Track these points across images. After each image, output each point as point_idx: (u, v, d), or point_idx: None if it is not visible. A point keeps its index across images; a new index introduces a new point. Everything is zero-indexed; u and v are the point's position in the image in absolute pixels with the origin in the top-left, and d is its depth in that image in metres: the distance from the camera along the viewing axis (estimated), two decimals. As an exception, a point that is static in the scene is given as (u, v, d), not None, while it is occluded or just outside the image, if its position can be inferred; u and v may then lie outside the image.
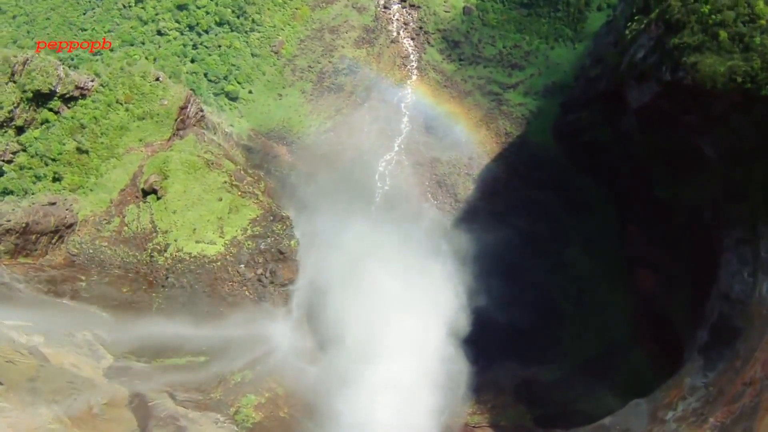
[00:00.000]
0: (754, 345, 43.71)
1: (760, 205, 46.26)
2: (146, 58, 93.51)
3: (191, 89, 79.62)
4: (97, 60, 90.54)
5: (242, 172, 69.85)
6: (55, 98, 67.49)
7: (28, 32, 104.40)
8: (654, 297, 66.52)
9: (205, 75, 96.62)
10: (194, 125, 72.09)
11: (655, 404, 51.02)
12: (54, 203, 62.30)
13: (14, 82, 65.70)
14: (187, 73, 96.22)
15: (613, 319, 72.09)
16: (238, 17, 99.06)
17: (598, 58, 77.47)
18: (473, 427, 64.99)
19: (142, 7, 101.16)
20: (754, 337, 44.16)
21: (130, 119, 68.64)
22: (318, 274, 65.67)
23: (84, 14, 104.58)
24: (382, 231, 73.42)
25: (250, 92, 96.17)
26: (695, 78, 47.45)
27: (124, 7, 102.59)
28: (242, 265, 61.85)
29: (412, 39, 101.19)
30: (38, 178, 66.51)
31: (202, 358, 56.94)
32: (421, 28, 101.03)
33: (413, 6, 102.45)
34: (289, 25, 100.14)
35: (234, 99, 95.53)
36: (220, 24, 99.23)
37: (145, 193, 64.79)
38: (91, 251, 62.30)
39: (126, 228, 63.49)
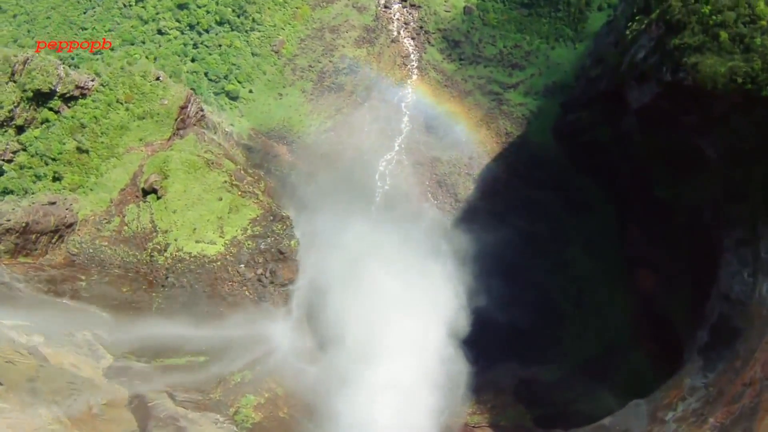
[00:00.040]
0: (753, 345, 43.76)
1: (760, 206, 46.32)
2: (146, 57, 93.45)
3: (191, 88, 79.43)
4: (97, 59, 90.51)
5: (242, 171, 69.81)
6: (56, 98, 67.45)
7: (29, 31, 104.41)
8: (654, 297, 66.53)
9: (206, 74, 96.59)
10: (194, 125, 72.02)
11: (655, 405, 51.03)
12: (54, 203, 62.23)
13: (14, 81, 65.67)
14: (187, 72, 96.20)
15: (613, 319, 72.16)
16: (238, 16, 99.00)
17: (598, 58, 77.41)
18: (473, 427, 65.03)
19: (143, 7, 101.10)
20: (754, 338, 44.21)
21: (130, 119, 68.57)
22: (318, 274, 65.61)
23: (84, 13, 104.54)
24: (382, 231, 73.42)
25: (250, 92, 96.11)
26: (696, 78, 47.48)
27: (125, 6, 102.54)
28: (242, 265, 61.83)
29: (413, 38, 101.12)
30: (38, 177, 66.50)
31: (201, 358, 56.88)
32: (421, 27, 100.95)
33: (414, 5, 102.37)
34: (289, 24, 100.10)
35: (234, 98, 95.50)
36: (220, 23, 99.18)
37: (145, 193, 64.77)
38: (91, 251, 62.28)
39: (126, 227, 63.47)
